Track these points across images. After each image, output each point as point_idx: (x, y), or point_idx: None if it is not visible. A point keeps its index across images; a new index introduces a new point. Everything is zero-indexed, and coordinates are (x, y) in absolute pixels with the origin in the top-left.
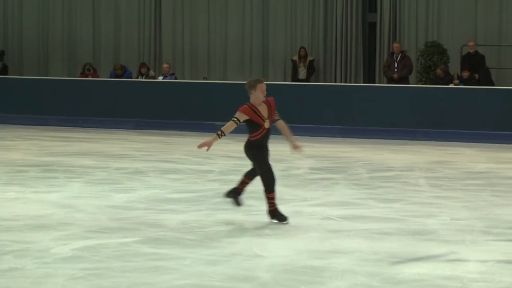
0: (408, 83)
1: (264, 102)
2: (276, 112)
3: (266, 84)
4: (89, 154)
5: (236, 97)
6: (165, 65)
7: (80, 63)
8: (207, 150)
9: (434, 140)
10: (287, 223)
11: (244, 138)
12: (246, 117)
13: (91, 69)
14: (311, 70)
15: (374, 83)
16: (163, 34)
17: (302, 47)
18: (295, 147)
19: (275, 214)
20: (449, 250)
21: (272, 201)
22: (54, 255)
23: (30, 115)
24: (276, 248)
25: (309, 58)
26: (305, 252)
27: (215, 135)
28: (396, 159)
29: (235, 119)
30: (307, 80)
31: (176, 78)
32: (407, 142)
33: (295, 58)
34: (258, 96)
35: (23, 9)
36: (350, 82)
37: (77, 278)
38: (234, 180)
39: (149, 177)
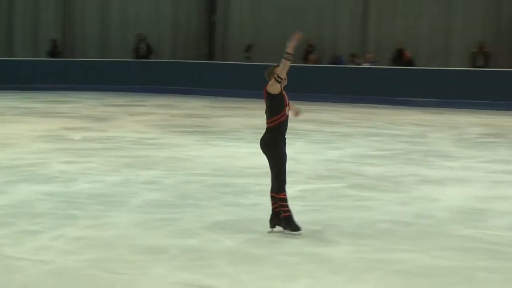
0: None
1: (284, 90)
2: None
3: None
4: (311, 121)
5: None
6: None
7: None
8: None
9: None
10: (299, 234)
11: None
12: (279, 88)
13: None
14: None
15: None
16: None
17: None
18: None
19: (289, 222)
20: None
21: (284, 204)
22: None
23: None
24: (451, 194)
25: None
26: (473, 197)
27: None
28: None
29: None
30: None
31: None
32: None
33: None
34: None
35: None
36: None
37: (299, 212)
38: (420, 142)
39: (355, 139)
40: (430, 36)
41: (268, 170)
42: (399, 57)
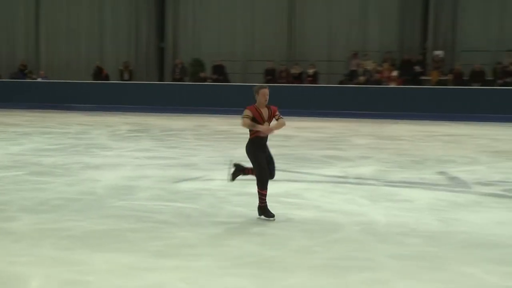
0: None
1: (266, 107)
2: (278, 114)
3: None
4: None
5: None
6: None
7: None
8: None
9: (198, 113)
10: (273, 220)
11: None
12: (251, 115)
13: None
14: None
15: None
16: None
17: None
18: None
19: (264, 211)
20: (205, 174)
21: (263, 198)
22: None
23: None
24: (108, 176)
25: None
26: (125, 177)
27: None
28: (175, 124)
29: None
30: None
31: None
32: (182, 114)
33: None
34: (260, 100)
35: None
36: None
37: None
38: (84, 138)
39: (33, 137)
40: (87, 57)
41: None
42: (99, 73)
